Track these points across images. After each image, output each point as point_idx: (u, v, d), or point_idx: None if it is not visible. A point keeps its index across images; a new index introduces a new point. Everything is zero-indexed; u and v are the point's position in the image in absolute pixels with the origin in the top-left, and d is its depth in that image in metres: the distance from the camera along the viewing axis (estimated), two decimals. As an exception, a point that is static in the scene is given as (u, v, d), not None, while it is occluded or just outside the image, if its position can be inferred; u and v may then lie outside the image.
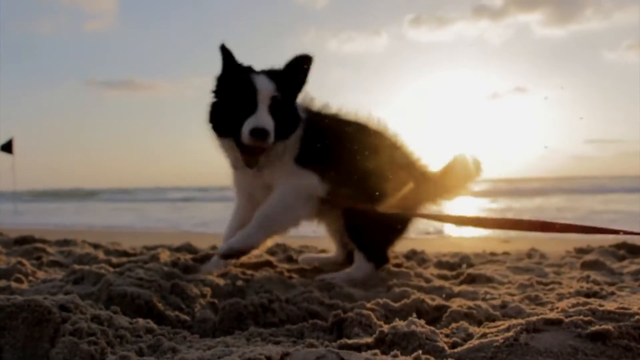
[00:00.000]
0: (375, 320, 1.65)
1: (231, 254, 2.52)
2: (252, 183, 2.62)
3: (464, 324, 1.61)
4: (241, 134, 2.35)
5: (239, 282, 2.29)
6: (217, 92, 2.53)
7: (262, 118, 2.34)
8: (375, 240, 2.68)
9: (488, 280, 2.53)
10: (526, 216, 9.57)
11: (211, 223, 9.78)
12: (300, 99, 2.60)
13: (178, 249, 3.52)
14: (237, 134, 2.39)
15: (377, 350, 1.33)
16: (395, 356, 1.26)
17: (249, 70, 2.49)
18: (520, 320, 1.44)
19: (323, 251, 3.60)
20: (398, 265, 2.96)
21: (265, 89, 2.38)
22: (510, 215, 9.96)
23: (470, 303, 1.88)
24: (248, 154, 2.41)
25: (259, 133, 2.31)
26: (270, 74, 2.46)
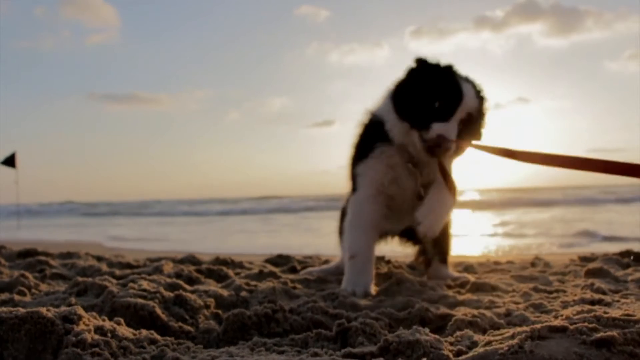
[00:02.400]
0: (379, 329, 1.64)
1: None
2: (405, 176, 2.61)
3: (468, 332, 1.60)
4: (426, 130, 2.42)
5: (243, 293, 2.29)
6: (417, 80, 2.52)
7: (451, 130, 2.40)
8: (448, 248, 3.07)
9: (492, 288, 2.52)
10: (530, 229, 9.57)
11: (213, 237, 9.78)
12: None
13: (181, 261, 3.52)
14: (422, 127, 2.44)
15: (381, 359, 1.33)
16: (399, 364, 1.26)
17: (456, 73, 2.51)
18: (524, 328, 1.44)
19: (326, 263, 3.60)
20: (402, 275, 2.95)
21: (468, 102, 2.44)
22: (512, 228, 9.93)
23: (475, 311, 1.87)
24: (427, 150, 2.47)
25: (440, 141, 2.40)
26: (475, 88, 2.51)
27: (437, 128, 2.39)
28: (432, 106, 2.42)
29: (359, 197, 2.65)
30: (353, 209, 2.67)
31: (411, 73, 2.55)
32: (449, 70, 2.51)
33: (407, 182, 2.60)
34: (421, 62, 2.53)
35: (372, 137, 2.65)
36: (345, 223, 2.72)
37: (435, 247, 3.01)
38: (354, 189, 2.70)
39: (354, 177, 2.71)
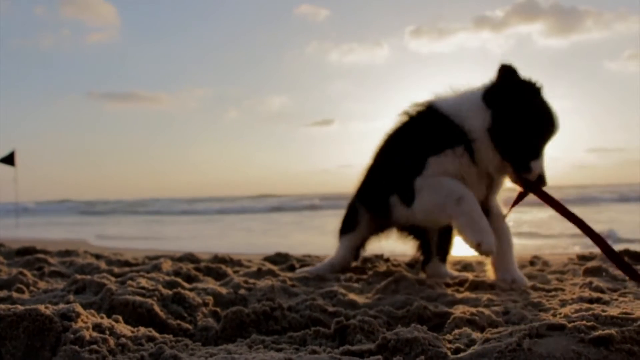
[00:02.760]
0: (377, 327, 1.64)
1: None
2: (471, 182, 2.58)
3: (466, 330, 1.60)
4: (526, 171, 2.48)
5: (242, 291, 2.29)
6: (516, 109, 2.47)
7: (544, 165, 2.50)
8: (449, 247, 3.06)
9: (491, 287, 2.52)
10: (526, 227, 9.55)
11: (211, 236, 9.77)
12: None
13: (180, 259, 3.51)
14: (522, 168, 2.49)
15: (379, 356, 1.33)
16: (397, 362, 1.26)
17: (548, 103, 2.51)
18: (523, 326, 1.44)
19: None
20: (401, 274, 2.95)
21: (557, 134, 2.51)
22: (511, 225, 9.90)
23: (473, 309, 1.87)
24: (525, 187, 2.55)
25: (541, 182, 2.49)
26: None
27: (536, 168, 2.46)
28: (532, 143, 2.47)
29: (432, 173, 2.55)
30: (429, 179, 2.55)
31: (509, 95, 2.49)
32: (544, 99, 2.50)
33: (472, 187, 2.57)
34: (520, 84, 2.50)
35: (446, 134, 2.56)
36: (424, 193, 2.57)
37: (437, 245, 2.99)
38: (419, 172, 2.57)
39: (418, 165, 2.58)
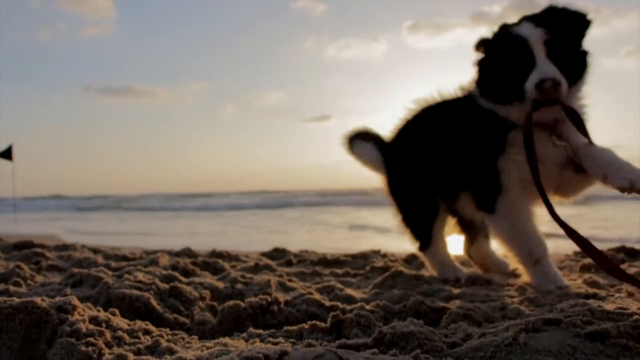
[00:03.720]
0: (374, 321, 1.64)
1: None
2: (548, 153, 2.20)
3: (463, 325, 1.60)
4: (525, 93, 2.07)
5: (238, 285, 2.29)
6: (486, 60, 2.23)
7: (545, 68, 2.04)
8: None
9: (487, 282, 2.52)
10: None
11: (208, 232, 9.75)
12: None
13: (178, 254, 3.51)
14: (521, 96, 2.10)
15: (375, 350, 1.33)
16: (394, 355, 1.26)
17: (507, 26, 2.19)
18: (519, 321, 1.44)
19: (324, 256, 3.59)
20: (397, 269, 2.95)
21: (534, 35, 2.09)
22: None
23: (470, 305, 1.87)
24: (541, 111, 2.10)
25: (546, 84, 2.02)
26: (534, 19, 2.17)
27: (531, 79, 2.05)
28: (513, 73, 2.12)
29: (511, 201, 2.29)
30: (511, 216, 2.31)
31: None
32: (500, 32, 2.21)
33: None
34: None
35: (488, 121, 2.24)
36: (505, 232, 2.35)
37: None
38: (498, 189, 2.29)
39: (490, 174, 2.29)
